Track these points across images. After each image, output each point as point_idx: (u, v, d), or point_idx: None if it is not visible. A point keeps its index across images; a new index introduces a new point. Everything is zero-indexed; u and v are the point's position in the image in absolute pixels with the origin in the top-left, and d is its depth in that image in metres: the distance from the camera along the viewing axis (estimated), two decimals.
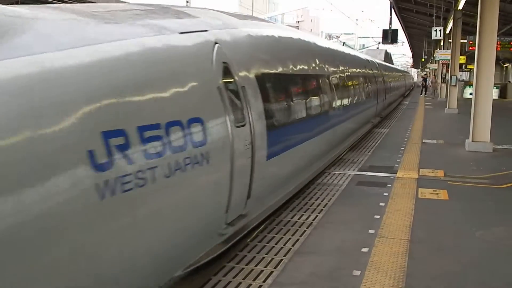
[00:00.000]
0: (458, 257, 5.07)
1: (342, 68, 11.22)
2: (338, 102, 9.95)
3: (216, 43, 4.66)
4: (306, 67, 8.07)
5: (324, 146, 8.88)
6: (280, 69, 6.61)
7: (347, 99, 10.98)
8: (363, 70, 14.71)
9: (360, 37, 70.69)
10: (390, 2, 23.68)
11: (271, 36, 6.97)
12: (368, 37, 64.86)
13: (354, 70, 12.98)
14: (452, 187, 8.00)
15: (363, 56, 18.56)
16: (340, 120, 10.15)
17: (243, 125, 4.85)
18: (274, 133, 5.84)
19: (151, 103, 3.55)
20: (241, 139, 4.75)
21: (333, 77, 9.76)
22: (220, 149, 4.36)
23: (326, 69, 9.35)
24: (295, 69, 7.32)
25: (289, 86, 6.87)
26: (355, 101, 12.11)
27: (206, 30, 4.74)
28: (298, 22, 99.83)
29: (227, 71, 4.72)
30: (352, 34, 69.17)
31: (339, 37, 48.12)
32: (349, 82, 11.54)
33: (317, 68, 8.72)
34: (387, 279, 4.46)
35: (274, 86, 6.21)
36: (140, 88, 3.46)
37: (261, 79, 5.65)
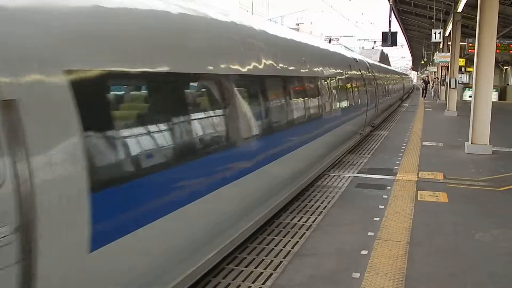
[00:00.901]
0: (458, 259, 5.07)
1: (308, 66, 7.96)
2: (296, 115, 6.85)
3: None
4: (226, 64, 4.87)
5: (261, 190, 5.64)
6: (157, 66, 3.65)
7: (314, 110, 7.90)
8: (345, 71, 11.47)
9: (359, 40, 70.92)
10: (390, 4, 23.70)
11: (156, 11, 3.94)
12: (368, 39, 65.15)
13: (328, 70, 9.63)
14: (451, 189, 8.01)
15: (348, 54, 14.94)
16: (299, 142, 6.99)
17: None
18: (118, 191, 3.07)
19: None
20: None
21: (287, 79, 6.75)
22: None
23: (273, 68, 6.21)
24: (206, 66, 4.45)
25: (177, 94, 3.95)
26: (329, 111, 9.02)
27: None
28: (298, 24, 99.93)
29: None
30: (352, 36, 69.42)
31: (338, 39, 48.11)
32: (319, 86, 8.39)
33: (251, 65, 5.50)
34: (387, 281, 4.46)
35: (134, 96, 3.63)
36: None
37: (94, 82, 2.99)
